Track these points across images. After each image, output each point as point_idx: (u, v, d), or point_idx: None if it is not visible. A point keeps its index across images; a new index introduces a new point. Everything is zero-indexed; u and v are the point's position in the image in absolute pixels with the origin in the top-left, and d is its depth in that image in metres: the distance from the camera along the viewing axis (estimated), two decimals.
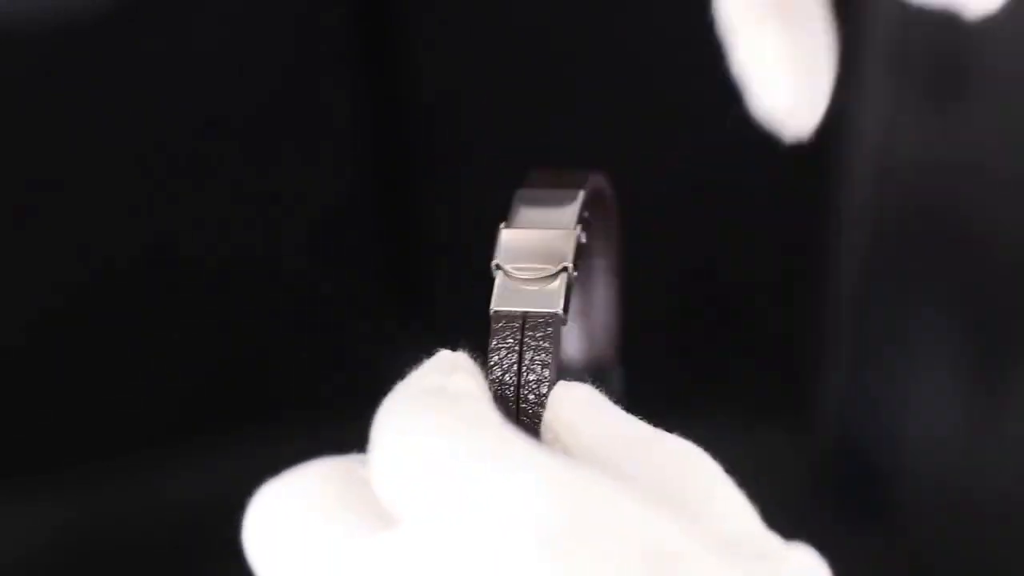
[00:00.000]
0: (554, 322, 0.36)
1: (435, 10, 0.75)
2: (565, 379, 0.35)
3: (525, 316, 0.36)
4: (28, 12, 0.68)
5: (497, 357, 0.36)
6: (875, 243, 0.75)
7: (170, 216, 0.76)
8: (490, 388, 0.35)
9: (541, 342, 0.36)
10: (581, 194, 0.38)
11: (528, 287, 0.37)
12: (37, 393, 0.76)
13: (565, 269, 0.37)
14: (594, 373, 0.46)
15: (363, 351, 0.80)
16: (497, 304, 0.37)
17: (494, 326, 0.36)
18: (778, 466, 0.77)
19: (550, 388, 0.35)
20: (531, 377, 0.35)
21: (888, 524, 0.78)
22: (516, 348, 0.36)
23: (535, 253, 0.37)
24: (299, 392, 0.80)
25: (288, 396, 0.80)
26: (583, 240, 0.38)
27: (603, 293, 0.47)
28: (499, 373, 0.35)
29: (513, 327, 0.36)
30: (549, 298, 0.36)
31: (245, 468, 0.79)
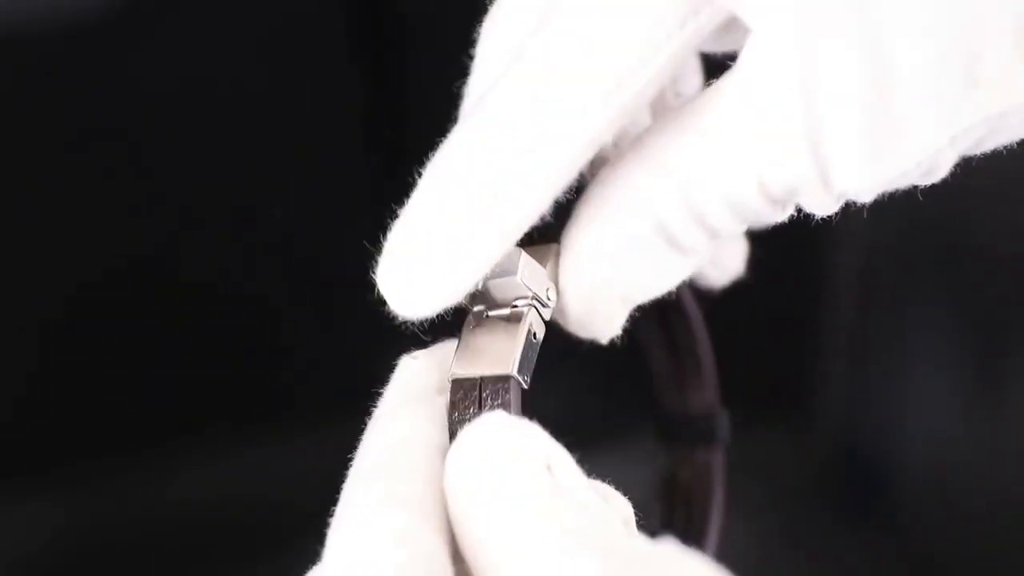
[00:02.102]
0: (510, 386, 0.35)
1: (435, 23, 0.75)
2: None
3: (481, 382, 0.35)
4: (28, 12, 0.68)
5: (451, 420, 0.35)
6: (875, 244, 0.75)
7: (170, 216, 0.76)
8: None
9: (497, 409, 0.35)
10: (553, 246, 0.38)
11: (492, 336, 0.36)
12: (37, 393, 0.76)
13: (533, 302, 0.36)
14: (700, 419, 0.45)
15: (362, 353, 0.80)
16: (456, 370, 0.36)
17: (454, 395, 0.35)
18: (778, 466, 0.77)
19: None
20: None
21: (888, 524, 0.78)
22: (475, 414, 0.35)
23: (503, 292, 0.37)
24: (299, 392, 0.80)
25: (288, 396, 0.80)
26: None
27: (699, 331, 0.46)
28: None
29: (472, 395, 0.35)
30: (505, 354, 0.36)
31: (246, 468, 0.79)
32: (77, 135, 0.72)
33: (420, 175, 0.37)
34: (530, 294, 0.37)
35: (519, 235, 0.36)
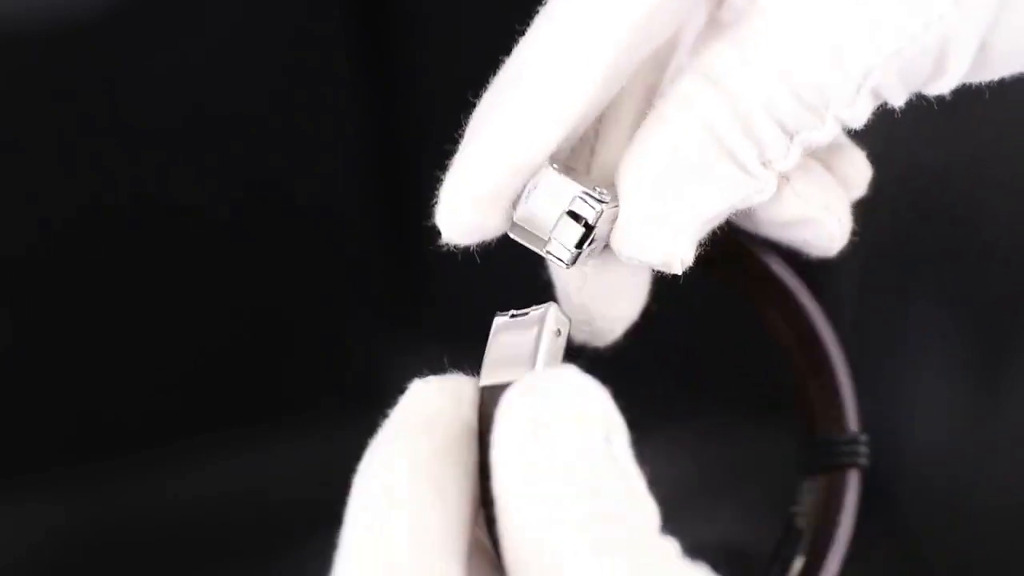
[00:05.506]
0: None
1: (431, 20, 0.75)
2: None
3: (510, 387, 0.34)
4: (28, 12, 0.68)
5: (490, 436, 0.33)
6: (875, 243, 0.75)
7: (170, 216, 0.76)
8: (486, 467, 0.33)
9: None
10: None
11: (516, 336, 0.36)
12: (37, 393, 0.76)
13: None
14: (835, 442, 0.45)
15: (362, 352, 0.80)
16: (484, 378, 0.35)
17: (483, 402, 0.34)
18: (778, 466, 0.77)
19: None
20: None
21: (888, 524, 0.78)
22: None
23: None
24: (299, 392, 0.80)
25: (288, 396, 0.80)
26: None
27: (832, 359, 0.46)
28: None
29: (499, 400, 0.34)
30: (528, 358, 0.35)
31: (246, 468, 0.79)
32: (76, 135, 0.72)
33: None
34: (573, 188, 0.37)
35: (541, 147, 0.36)
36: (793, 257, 0.44)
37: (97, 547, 0.77)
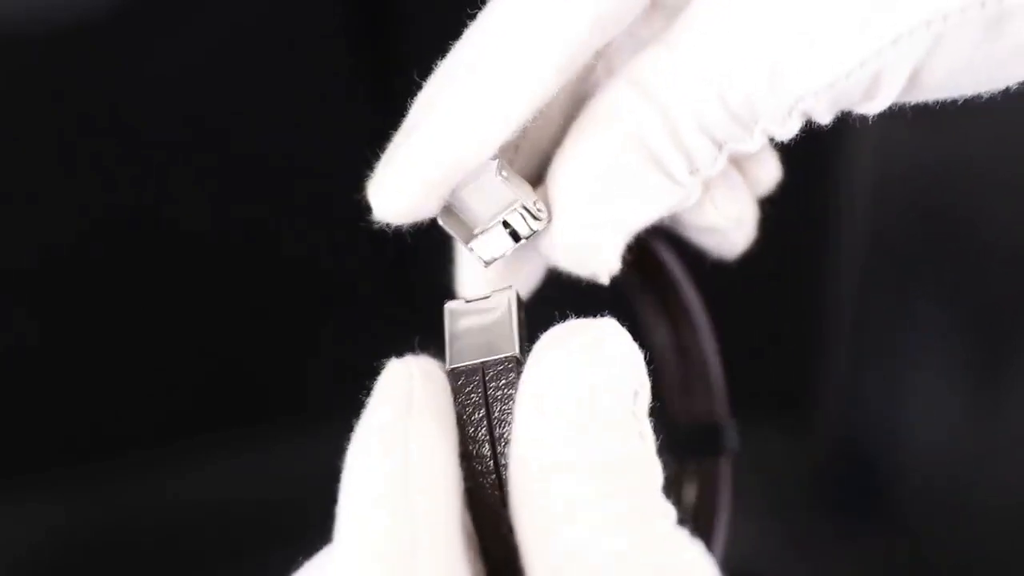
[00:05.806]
0: (514, 366, 0.35)
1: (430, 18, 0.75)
2: None
3: (484, 368, 0.35)
4: (28, 12, 0.68)
5: (465, 416, 0.34)
6: (875, 243, 0.75)
7: (169, 216, 0.76)
8: (465, 446, 0.34)
9: (506, 390, 0.34)
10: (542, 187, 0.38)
11: (480, 320, 0.36)
12: (37, 393, 0.76)
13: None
14: (705, 429, 0.45)
15: (360, 354, 0.80)
16: (453, 361, 0.35)
17: (454, 384, 0.34)
18: (778, 466, 0.77)
19: None
20: (506, 430, 0.34)
21: (888, 524, 0.78)
22: (482, 403, 0.34)
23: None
24: (299, 392, 0.80)
25: (288, 396, 0.80)
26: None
27: (699, 341, 0.46)
28: (471, 430, 0.34)
29: (474, 381, 0.35)
30: (503, 338, 0.35)
31: (246, 468, 0.79)
32: (76, 134, 0.72)
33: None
34: (513, 197, 0.36)
35: (490, 141, 0.36)
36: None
37: (97, 547, 0.77)
